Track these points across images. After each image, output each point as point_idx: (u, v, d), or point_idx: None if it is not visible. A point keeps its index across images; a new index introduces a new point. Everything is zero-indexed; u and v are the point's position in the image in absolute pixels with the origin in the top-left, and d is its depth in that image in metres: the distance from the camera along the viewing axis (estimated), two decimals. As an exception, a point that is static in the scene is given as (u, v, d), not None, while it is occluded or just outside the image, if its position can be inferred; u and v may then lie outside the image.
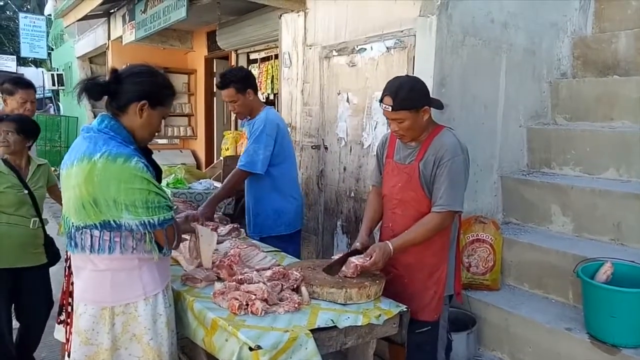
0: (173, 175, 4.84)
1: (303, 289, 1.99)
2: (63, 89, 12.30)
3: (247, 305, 1.82)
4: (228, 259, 2.16)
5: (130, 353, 1.71)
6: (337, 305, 1.96)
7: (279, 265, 2.27)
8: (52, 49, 13.36)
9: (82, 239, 1.62)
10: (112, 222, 1.60)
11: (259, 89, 6.80)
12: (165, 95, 1.76)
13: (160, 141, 9.21)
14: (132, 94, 1.66)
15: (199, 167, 8.76)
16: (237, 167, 3.02)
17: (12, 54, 16.17)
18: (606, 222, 2.79)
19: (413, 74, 2.85)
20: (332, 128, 3.64)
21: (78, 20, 7.91)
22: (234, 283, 1.95)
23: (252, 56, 7.01)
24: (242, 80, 2.99)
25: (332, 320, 1.82)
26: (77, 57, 10.52)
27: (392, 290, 2.21)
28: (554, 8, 3.48)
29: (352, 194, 3.50)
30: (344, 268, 2.12)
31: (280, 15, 4.15)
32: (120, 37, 7.48)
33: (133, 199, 1.59)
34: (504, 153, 3.23)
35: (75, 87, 1.64)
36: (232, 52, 7.18)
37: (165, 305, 1.80)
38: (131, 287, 1.70)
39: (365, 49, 3.25)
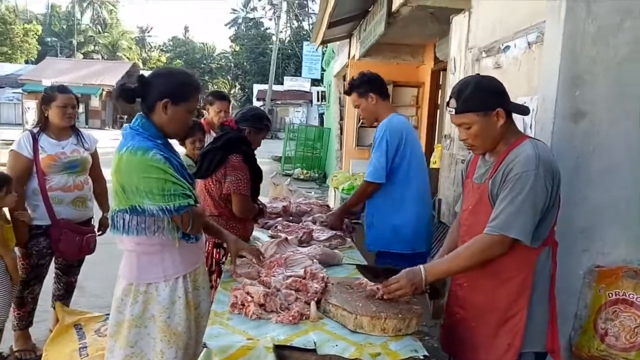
0: (349, 182, 5.05)
1: (312, 304, 1.85)
2: (324, 104, 14.12)
3: (243, 305, 1.81)
4: (273, 261, 2.18)
5: (148, 332, 1.91)
6: (344, 330, 1.75)
7: (325, 278, 2.10)
8: (324, 70, 15.48)
9: (117, 221, 1.90)
10: (137, 207, 1.83)
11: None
12: (186, 91, 1.91)
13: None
14: (155, 94, 1.87)
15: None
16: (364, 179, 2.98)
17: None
18: None
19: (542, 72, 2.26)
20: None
21: (322, 43, 9.00)
22: (250, 281, 1.97)
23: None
24: (364, 84, 2.95)
25: (314, 342, 1.64)
26: (334, 76, 11.91)
27: (457, 337, 1.87)
28: None
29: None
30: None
31: (451, 18, 3.82)
32: (354, 55, 8.17)
33: (150, 186, 1.81)
34: None
35: (112, 94, 1.96)
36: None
37: (187, 289, 1.96)
38: (152, 269, 1.92)
39: (509, 47, 2.71)
